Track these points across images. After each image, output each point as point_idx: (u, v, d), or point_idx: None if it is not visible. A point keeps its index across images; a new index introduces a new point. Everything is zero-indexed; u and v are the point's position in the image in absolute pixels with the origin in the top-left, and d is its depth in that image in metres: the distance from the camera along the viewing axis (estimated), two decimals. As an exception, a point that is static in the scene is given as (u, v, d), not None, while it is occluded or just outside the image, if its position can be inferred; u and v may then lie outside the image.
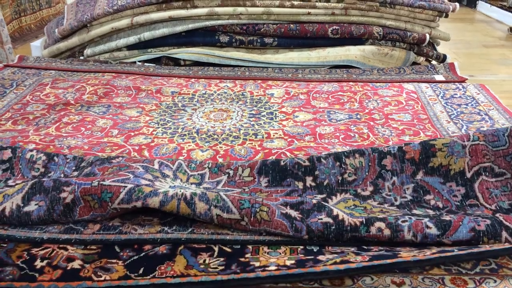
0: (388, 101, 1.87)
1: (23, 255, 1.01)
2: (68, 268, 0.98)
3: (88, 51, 2.47)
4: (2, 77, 2.09)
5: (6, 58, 2.53)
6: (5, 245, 1.05)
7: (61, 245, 1.05)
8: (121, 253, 1.03)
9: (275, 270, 0.94)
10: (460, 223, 1.04)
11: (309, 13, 2.41)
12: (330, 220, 1.07)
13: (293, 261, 0.98)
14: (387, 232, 1.04)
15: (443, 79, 2.15)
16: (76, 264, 0.99)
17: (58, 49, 2.48)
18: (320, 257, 0.99)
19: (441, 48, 2.60)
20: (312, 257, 1.00)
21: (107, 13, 2.42)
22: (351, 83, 2.06)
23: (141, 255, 1.03)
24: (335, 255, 1.00)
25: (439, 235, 1.03)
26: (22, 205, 1.12)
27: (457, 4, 2.46)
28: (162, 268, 0.98)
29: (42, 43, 2.65)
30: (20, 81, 2.04)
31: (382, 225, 1.05)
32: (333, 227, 1.05)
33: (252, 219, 1.07)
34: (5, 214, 1.11)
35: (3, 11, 3.03)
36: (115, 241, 1.07)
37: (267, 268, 0.96)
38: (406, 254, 0.97)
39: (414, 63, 2.44)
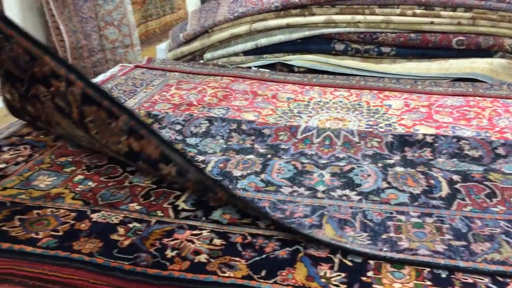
0: (521, 119, 1.72)
1: (155, 244, 1.09)
2: (196, 260, 1.04)
3: (207, 55, 2.60)
4: (134, 76, 2.27)
5: (135, 59, 2.76)
6: (140, 232, 1.13)
7: (188, 238, 1.11)
8: (244, 252, 1.06)
9: None
10: None
11: (432, 23, 2.30)
12: None
13: None
14: None
15: None
16: (202, 258, 1.04)
17: (181, 53, 2.65)
18: None
19: None
20: None
21: (228, 20, 2.53)
22: (478, 98, 1.93)
23: (263, 256, 1.05)
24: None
25: None
26: None
27: None
28: (284, 274, 0.99)
29: (166, 46, 2.85)
30: (149, 81, 2.21)
31: None
32: None
33: None
34: None
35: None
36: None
37: (391, 301, 0.93)
38: None
39: (551, 80, 2.22)
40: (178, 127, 1.69)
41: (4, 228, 1.14)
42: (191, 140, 1.62)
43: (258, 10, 2.48)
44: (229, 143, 1.60)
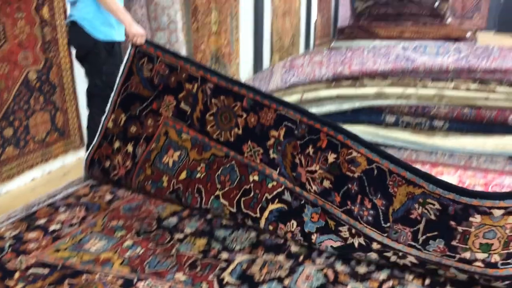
0: None
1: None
2: None
3: (258, 122, 2.65)
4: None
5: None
6: None
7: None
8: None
9: None
10: None
11: (487, 98, 2.26)
12: None
13: None
14: None
15: None
16: None
17: (233, 119, 2.72)
18: None
19: None
20: None
21: (280, 89, 2.60)
22: (539, 178, 1.84)
23: None
24: None
25: None
26: None
27: None
28: None
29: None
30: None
31: None
32: None
33: None
34: None
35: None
36: None
37: None
38: None
39: None
40: None
41: (54, 291, 1.17)
42: None
43: (310, 80, 2.54)
44: None
